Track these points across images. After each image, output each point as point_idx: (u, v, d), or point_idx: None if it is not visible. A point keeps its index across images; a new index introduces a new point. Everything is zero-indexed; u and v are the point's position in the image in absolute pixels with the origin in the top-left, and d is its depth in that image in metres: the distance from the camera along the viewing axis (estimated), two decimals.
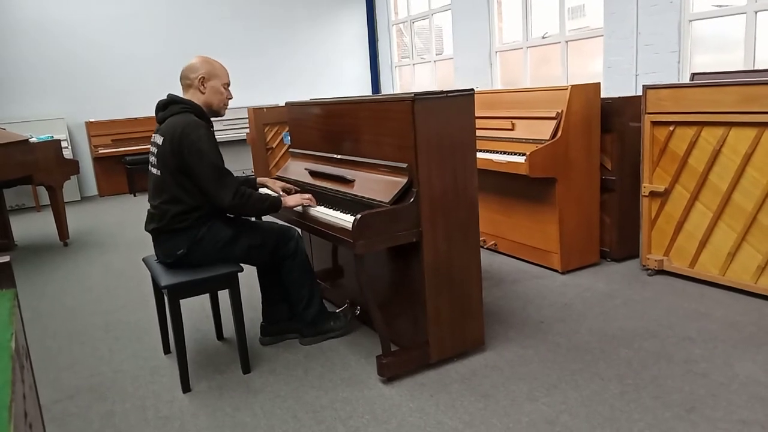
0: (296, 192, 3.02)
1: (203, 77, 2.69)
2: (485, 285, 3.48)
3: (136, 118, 8.64)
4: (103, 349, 3.12)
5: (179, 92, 2.76)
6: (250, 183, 3.08)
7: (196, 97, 2.70)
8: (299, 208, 2.84)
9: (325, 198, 2.85)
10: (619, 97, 3.72)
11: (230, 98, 2.81)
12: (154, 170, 2.66)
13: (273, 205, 2.73)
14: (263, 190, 3.09)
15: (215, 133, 2.75)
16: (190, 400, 2.53)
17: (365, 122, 2.73)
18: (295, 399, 2.46)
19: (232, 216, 2.77)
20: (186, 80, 2.72)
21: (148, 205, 2.74)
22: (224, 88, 2.76)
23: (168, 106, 2.68)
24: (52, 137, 6.07)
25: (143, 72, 8.80)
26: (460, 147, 2.49)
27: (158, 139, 2.62)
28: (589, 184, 3.71)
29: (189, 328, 3.21)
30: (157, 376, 2.77)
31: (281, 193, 2.99)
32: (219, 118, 3.02)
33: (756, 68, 4.74)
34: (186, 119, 2.58)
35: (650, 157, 3.49)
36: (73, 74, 8.39)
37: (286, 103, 3.56)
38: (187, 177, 2.56)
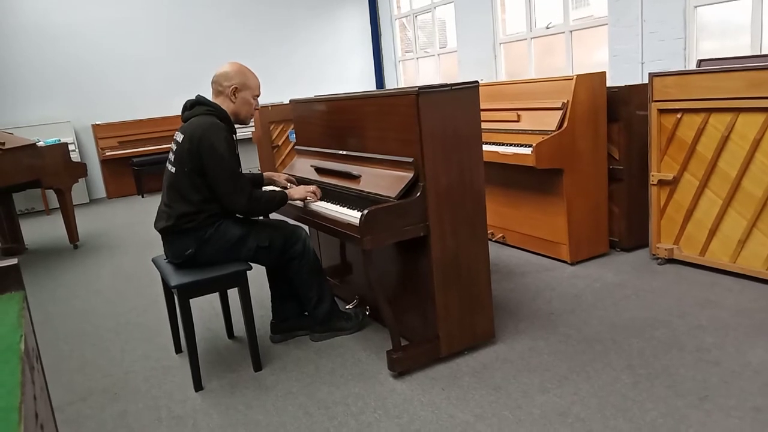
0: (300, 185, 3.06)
1: (236, 87, 2.71)
2: (494, 278, 3.47)
3: (142, 120, 8.69)
4: (114, 350, 3.14)
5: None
6: (257, 180, 3.12)
7: (225, 105, 2.73)
8: (299, 203, 2.87)
9: (331, 194, 2.85)
10: (625, 86, 3.69)
11: (257, 108, 2.87)
12: (170, 167, 2.68)
13: (281, 201, 2.79)
14: (270, 187, 3.12)
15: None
16: (203, 399, 2.54)
17: (370, 117, 2.72)
18: (307, 395, 2.47)
19: (240, 216, 2.79)
20: (218, 86, 2.73)
21: (156, 206, 2.75)
22: (253, 99, 2.79)
23: (194, 106, 2.71)
24: (60, 141, 6.09)
25: (148, 73, 8.84)
26: (466, 140, 2.48)
27: (179, 137, 2.65)
28: (597, 174, 3.69)
29: (200, 327, 3.22)
30: (169, 376, 2.79)
31: (288, 185, 3.07)
32: None
33: (763, 53, 4.69)
34: (208, 121, 2.60)
35: (658, 146, 3.46)
36: (78, 77, 8.43)
37: (290, 101, 3.56)
38: (202, 178, 2.58)
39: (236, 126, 2.81)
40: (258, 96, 2.81)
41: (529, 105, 3.78)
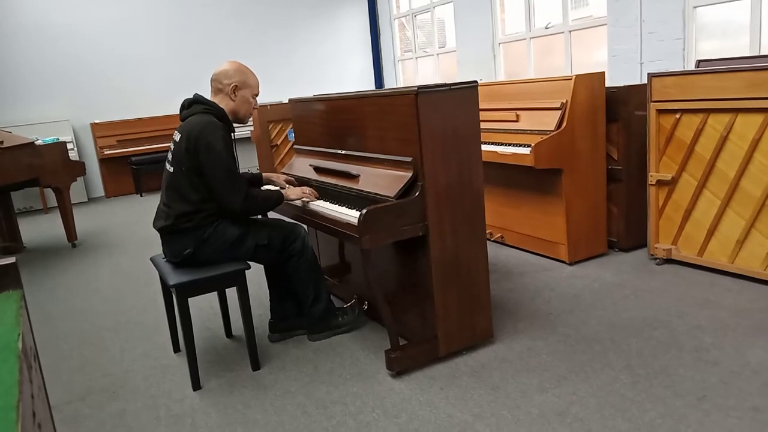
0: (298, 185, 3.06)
1: (236, 86, 2.70)
2: (493, 278, 3.47)
3: (140, 119, 8.68)
4: (113, 350, 3.13)
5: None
6: (256, 179, 3.12)
7: (224, 103, 2.71)
8: (299, 203, 2.87)
9: (330, 194, 2.85)
10: (624, 86, 3.69)
11: (256, 107, 2.85)
12: (169, 167, 2.67)
13: (277, 201, 2.79)
14: (269, 186, 3.11)
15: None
16: (201, 398, 2.54)
17: (369, 117, 2.72)
18: (305, 395, 2.47)
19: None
20: (217, 84, 2.72)
21: (155, 205, 2.75)
22: (253, 98, 2.78)
23: (192, 105, 2.70)
24: (58, 139, 6.08)
25: (146, 72, 8.83)
26: (465, 140, 2.48)
27: (177, 137, 2.65)
28: (596, 174, 3.69)
29: (198, 326, 3.22)
30: (167, 375, 2.78)
31: (286, 186, 3.06)
32: None
33: (762, 54, 4.70)
34: (205, 119, 2.59)
35: (656, 146, 3.46)
36: (77, 76, 8.42)
37: (289, 100, 3.55)
38: (200, 177, 2.58)
39: (235, 125, 2.80)
40: (257, 95, 2.81)
41: (528, 105, 3.78)
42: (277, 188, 3.03)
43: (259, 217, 2.98)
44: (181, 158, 2.58)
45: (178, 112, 2.78)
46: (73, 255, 5.28)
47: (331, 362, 2.73)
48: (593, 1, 6.60)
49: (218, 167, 2.54)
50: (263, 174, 3.16)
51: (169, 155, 2.69)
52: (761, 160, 3.00)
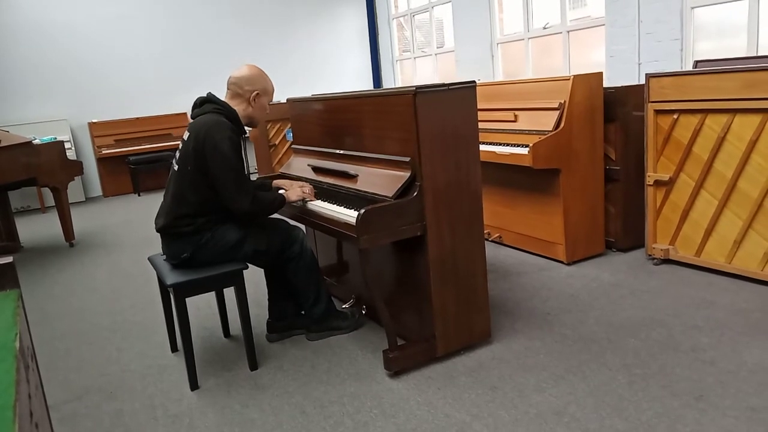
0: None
1: (258, 93, 2.70)
2: (491, 277, 3.47)
3: (138, 118, 8.65)
4: (110, 349, 3.13)
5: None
6: (266, 188, 3.03)
7: (241, 107, 2.70)
8: (299, 203, 2.85)
9: (328, 193, 2.85)
10: (622, 87, 3.70)
11: (267, 113, 2.85)
12: (175, 165, 2.66)
13: (280, 204, 2.77)
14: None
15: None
16: (199, 398, 2.53)
17: (367, 117, 2.72)
18: (303, 395, 2.47)
19: (237, 219, 2.76)
20: (238, 88, 2.69)
21: (153, 205, 2.75)
22: (268, 104, 2.79)
23: (204, 104, 2.68)
24: (56, 139, 6.08)
25: (145, 72, 8.81)
26: (463, 140, 2.48)
27: (185, 135, 2.63)
28: (593, 175, 3.70)
29: (196, 326, 3.22)
30: (165, 375, 2.78)
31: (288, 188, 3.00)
32: None
33: (759, 54, 4.71)
34: (214, 119, 2.57)
35: (654, 146, 3.47)
36: (75, 76, 8.41)
37: (287, 100, 3.55)
38: (204, 177, 2.55)
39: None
40: (271, 101, 2.81)
41: (526, 105, 3.79)
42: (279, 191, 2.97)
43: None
44: (188, 157, 2.56)
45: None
46: (71, 254, 5.27)
47: (328, 362, 2.73)
48: (591, 1, 6.61)
49: (225, 168, 2.52)
50: (273, 183, 3.08)
51: (177, 154, 2.67)
52: (758, 161, 3.01)
